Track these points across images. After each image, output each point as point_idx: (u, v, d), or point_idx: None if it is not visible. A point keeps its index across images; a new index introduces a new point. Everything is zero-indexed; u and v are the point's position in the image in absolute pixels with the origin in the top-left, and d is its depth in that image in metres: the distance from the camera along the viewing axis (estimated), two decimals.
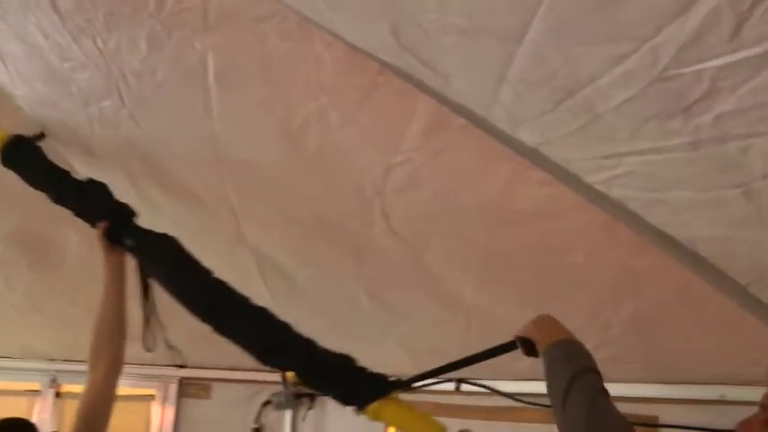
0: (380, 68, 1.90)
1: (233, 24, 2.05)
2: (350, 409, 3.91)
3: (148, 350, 2.45)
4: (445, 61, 1.56)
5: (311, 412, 4.32)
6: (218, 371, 4.59)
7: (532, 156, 1.76)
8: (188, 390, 4.65)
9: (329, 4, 1.64)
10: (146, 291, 2.48)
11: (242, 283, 2.73)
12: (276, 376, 4.29)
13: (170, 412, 4.60)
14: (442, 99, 1.79)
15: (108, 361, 2.43)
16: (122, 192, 2.80)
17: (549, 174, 1.86)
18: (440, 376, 2.19)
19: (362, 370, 2.12)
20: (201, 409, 4.64)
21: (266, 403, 4.48)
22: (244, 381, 4.57)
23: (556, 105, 1.42)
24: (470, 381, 3.06)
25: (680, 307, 2.22)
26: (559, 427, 1.67)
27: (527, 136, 1.64)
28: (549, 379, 1.76)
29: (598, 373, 1.72)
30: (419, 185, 2.26)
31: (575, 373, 1.68)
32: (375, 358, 3.39)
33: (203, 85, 2.27)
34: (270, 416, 4.53)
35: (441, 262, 2.53)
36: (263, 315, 2.24)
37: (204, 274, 2.34)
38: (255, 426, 4.55)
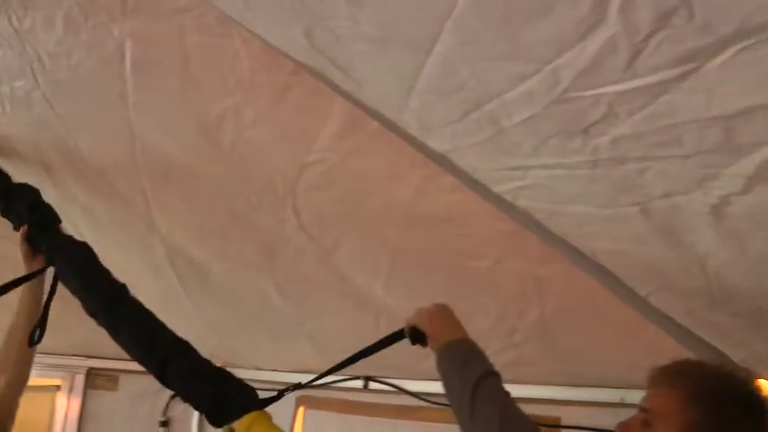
0: (296, 68, 1.90)
1: (152, 14, 2.02)
2: None
3: (32, 345, 2.35)
4: (357, 67, 1.57)
5: None
6: (125, 362, 4.37)
7: (443, 162, 1.79)
8: (95, 381, 4.53)
9: (246, 2, 1.64)
10: (52, 293, 2.41)
11: (153, 274, 2.71)
12: None
13: (75, 404, 4.47)
14: (356, 102, 1.80)
15: (11, 375, 2.32)
16: (33, 175, 2.75)
17: (459, 180, 1.88)
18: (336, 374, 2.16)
19: (238, 382, 2.07)
20: (108, 401, 4.53)
21: (174, 396, 4.40)
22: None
23: (463, 116, 1.44)
24: (378, 379, 3.09)
25: (583, 314, 2.27)
26: None
27: (436, 143, 1.66)
28: (448, 380, 1.74)
29: (497, 374, 1.72)
30: (331, 186, 2.27)
31: (478, 378, 1.67)
32: (286, 356, 3.41)
33: (119, 74, 2.24)
34: (177, 408, 4.47)
35: (351, 262, 2.54)
36: (153, 319, 2.21)
37: (111, 284, 2.30)
38: (163, 419, 4.49)
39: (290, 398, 3.62)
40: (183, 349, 2.14)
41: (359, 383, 3.19)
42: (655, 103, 1.13)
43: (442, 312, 1.89)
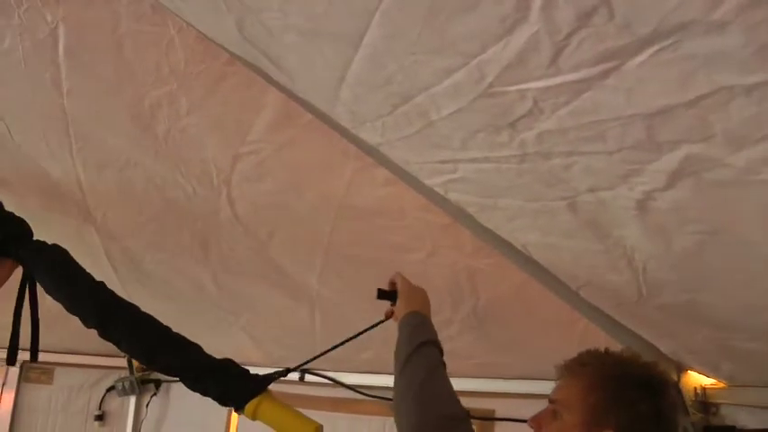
0: (230, 59, 1.88)
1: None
2: (194, 396, 3.90)
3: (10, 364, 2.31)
4: (288, 59, 1.56)
5: (155, 398, 4.24)
6: (61, 354, 4.33)
7: (376, 154, 1.79)
8: (29, 374, 4.42)
9: None
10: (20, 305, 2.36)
11: (89, 263, 2.63)
12: (121, 361, 4.20)
13: (9, 397, 4.36)
14: (289, 94, 1.79)
15: None
16: None
17: (392, 173, 1.89)
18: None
19: (238, 370, 2.11)
20: (43, 394, 4.43)
21: (110, 389, 4.35)
22: (88, 366, 4.40)
23: (393, 109, 1.44)
24: (314, 372, 3.09)
25: (516, 307, 2.30)
26: (394, 392, 1.69)
27: (368, 136, 1.65)
28: (398, 343, 1.80)
29: (441, 349, 1.76)
30: (265, 177, 2.25)
31: (423, 342, 1.73)
32: (222, 346, 3.37)
33: (53, 59, 2.18)
34: (113, 402, 4.40)
35: (285, 253, 2.53)
36: (148, 321, 2.21)
37: (96, 285, 2.28)
38: (98, 412, 4.40)
39: None
40: (182, 347, 2.16)
41: (295, 376, 3.18)
42: (578, 99, 1.14)
43: (421, 293, 1.97)
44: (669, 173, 1.21)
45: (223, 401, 2.06)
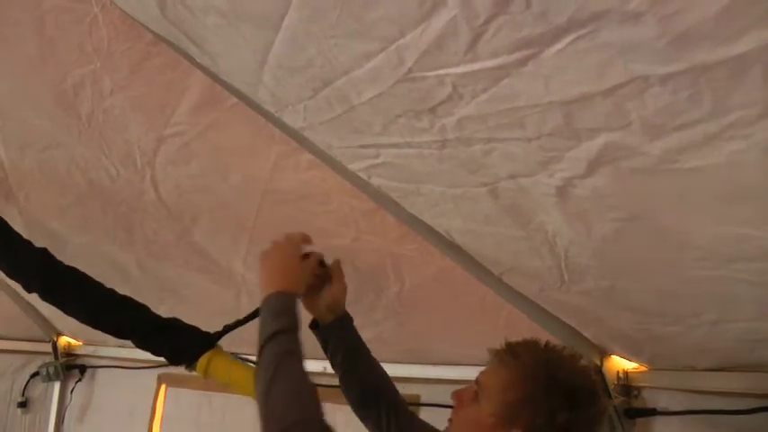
0: (154, 39, 1.84)
1: None
2: (119, 382, 3.85)
3: None
4: (210, 41, 1.52)
5: (80, 384, 4.15)
6: None
7: (300, 139, 1.77)
8: None
9: None
10: None
11: None
12: (46, 346, 4.10)
13: None
14: (213, 76, 1.75)
15: None
16: None
17: (316, 157, 1.87)
18: None
19: (187, 326, 2.14)
20: None
21: (34, 375, 4.23)
22: (10, 351, 4.28)
23: (314, 93, 1.42)
24: (242, 357, 3.05)
25: (440, 293, 2.30)
26: None
27: (291, 119, 1.63)
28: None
29: (292, 331, 1.62)
30: (189, 159, 2.22)
31: (274, 332, 1.59)
32: None
33: None
34: (37, 388, 4.30)
35: (210, 236, 2.50)
36: (93, 283, 2.22)
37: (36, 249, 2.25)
38: (21, 399, 4.28)
39: (152, 375, 3.56)
40: (130, 307, 2.20)
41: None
42: (496, 86, 1.13)
43: (281, 259, 1.80)
44: (588, 160, 1.21)
45: (175, 359, 2.09)
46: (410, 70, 1.18)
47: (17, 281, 2.25)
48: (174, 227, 2.49)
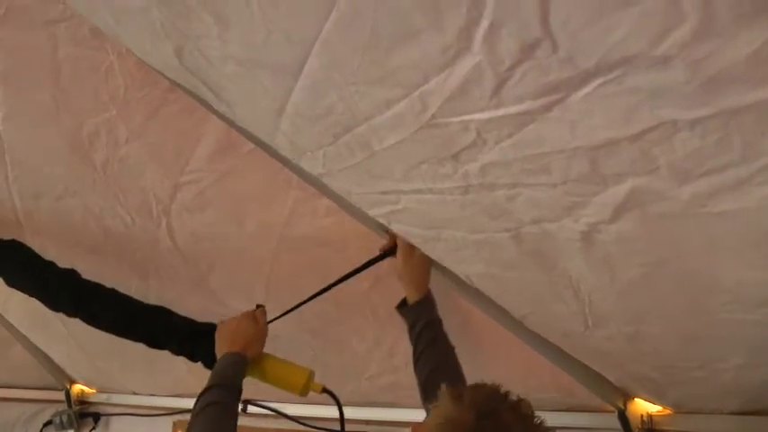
0: (171, 86, 1.83)
1: (23, 22, 1.93)
2: (134, 429, 3.79)
3: None
4: (227, 89, 1.52)
5: None
6: None
7: (318, 184, 1.76)
8: None
9: (116, 18, 1.57)
10: None
11: (22, 295, 2.56)
12: (59, 395, 4.04)
13: None
14: (230, 123, 1.75)
15: None
16: None
17: (334, 203, 1.86)
18: None
19: (205, 325, 2.13)
20: None
21: (47, 424, 4.15)
22: (23, 399, 4.17)
23: (334, 140, 1.41)
24: (256, 403, 3.03)
25: (461, 336, 2.25)
26: None
27: (309, 166, 1.62)
28: None
29: (226, 387, 1.78)
30: (205, 207, 2.21)
31: (210, 385, 1.78)
32: (162, 379, 3.29)
33: None
34: None
35: (225, 284, 2.47)
36: (121, 295, 2.25)
37: (64, 278, 2.29)
38: None
39: (167, 422, 3.51)
40: (163, 315, 2.21)
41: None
42: (521, 131, 1.12)
43: (234, 326, 2.00)
44: (614, 206, 1.20)
45: (210, 362, 2.04)
46: (433, 116, 1.17)
47: (44, 299, 2.26)
48: (189, 274, 2.47)
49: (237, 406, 1.78)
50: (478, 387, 1.42)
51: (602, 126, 1.04)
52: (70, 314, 2.23)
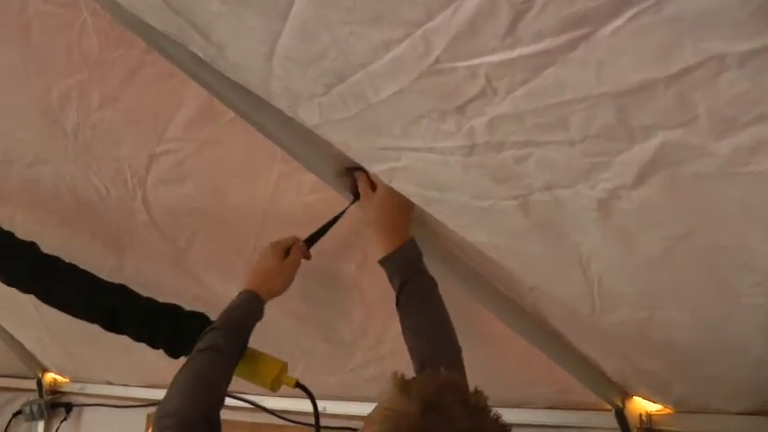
0: (148, 46, 1.69)
1: None
2: (107, 420, 3.65)
3: None
4: (217, 29, 1.35)
5: (65, 423, 3.92)
6: None
7: (303, 158, 1.68)
8: None
9: None
10: None
11: None
12: (30, 383, 3.90)
13: None
14: (210, 87, 1.61)
15: None
16: None
17: (321, 180, 1.77)
18: None
19: (189, 311, 2.02)
20: None
21: (17, 414, 3.98)
22: None
23: (327, 89, 1.27)
24: (233, 395, 2.91)
25: (455, 323, 2.14)
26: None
27: (306, 116, 1.46)
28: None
29: (231, 330, 1.65)
30: (184, 179, 2.06)
31: (215, 326, 1.66)
32: (137, 368, 3.15)
33: None
34: (20, 428, 4.03)
35: (205, 262, 2.33)
36: (80, 270, 2.12)
37: (22, 248, 2.16)
38: None
39: (141, 414, 3.37)
40: (123, 294, 2.06)
41: None
42: (538, 77, 0.97)
43: (261, 262, 1.85)
44: (639, 166, 1.05)
45: (175, 349, 1.92)
46: (437, 60, 1.02)
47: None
48: (166, 250, 2.32)
49: (238, 353, 1.64)
50: (430, 377, 1.32)
51: (634, 66, 0.89)
52: (25, 289, 2.08)
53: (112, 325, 1.97)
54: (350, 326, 2.29)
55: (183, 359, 1.79)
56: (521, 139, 1.12)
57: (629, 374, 2.03)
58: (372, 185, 1.74)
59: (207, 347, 1.56)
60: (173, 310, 1.94)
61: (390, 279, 1.77)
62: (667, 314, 1.48)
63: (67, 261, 2.11)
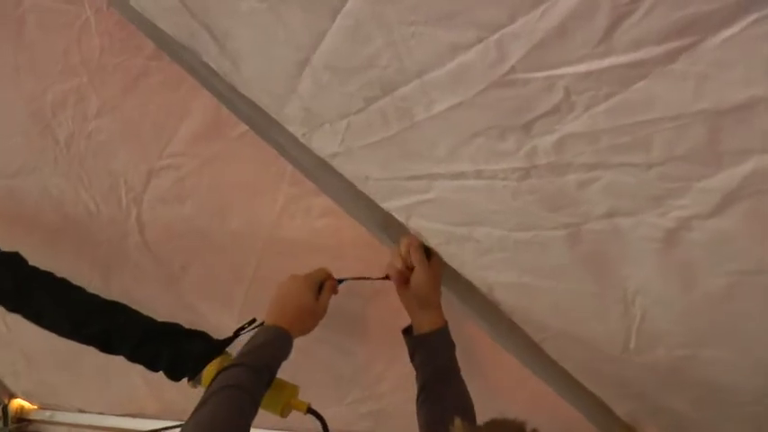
0: (156, 51, 1.61)
1: None
2: None
3: None
4: (237, 35, 1.25)
5: None
6: None
7: (317, 179, 1.56)
8: None
9: None
10: None
11: None
12: None
13: None
14: (223, 97, 1.51)
15: None
16: None
17: (334, 202, 1.64)
18: None
19: (189, 330, 1.85)
20: None
21: None
22: None
23: (366, 105, 1.17)
24: None
25: (462, 363, 2.04)
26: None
27: (323, 143, 1.37)
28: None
29: (257, 370, 1.47)
30: (184, 198, 1.95)
31: (240, 362, 1.47)
32: (115, 396, 2.99)
33: None
34: None
35: (199, 288, 2.20)
36: (71, 285, 1.94)
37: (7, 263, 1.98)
38: None
39: None
40: (119, 312, 1.89)
41: None
42: (626, 90, 0.88)
43: (293, 294, 1.65)
44: (723, 194, 0.96)
45: (174, 370, 1.77)
46: (512, 70, 0.93)
47: None
48: (159, 275, 2.19)
49: (263, 394, 1.47)
50: (498, 424, 1.27)
51: (742, 82, 0.81)
52: (10, 307, 1.93)
53: (107, 345, 1.83)
54: (352, 362, 2.18)
55: (184, 381, 1.69)
56: (590, 161, 1.03)
57: (642, 415, 1.94)
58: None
59: (233, 385, 1.39)
60: (173, 330, 1.81)
61: (415, 359, 1.70)
62: (712, 353, 1.38)
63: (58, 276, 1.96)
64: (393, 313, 1.99)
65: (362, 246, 1.78)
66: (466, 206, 1.29)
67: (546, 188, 1.13)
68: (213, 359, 1.71)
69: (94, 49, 1.71)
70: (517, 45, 0.89)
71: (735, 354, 1.35)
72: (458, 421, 1.22)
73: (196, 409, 1.34)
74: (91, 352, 2.69)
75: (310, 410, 1.69)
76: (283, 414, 1.67)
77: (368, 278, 1.75)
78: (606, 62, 0.86)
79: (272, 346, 1.55)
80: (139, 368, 2.69)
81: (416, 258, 1.59)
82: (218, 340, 1.74)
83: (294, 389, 1.70)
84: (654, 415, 1.89)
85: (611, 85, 0.89)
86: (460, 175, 1.21)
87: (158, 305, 2.15)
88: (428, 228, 1.45)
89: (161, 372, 1.80)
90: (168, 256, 2.13)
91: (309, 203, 1.82)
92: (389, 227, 1.62)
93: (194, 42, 1.33)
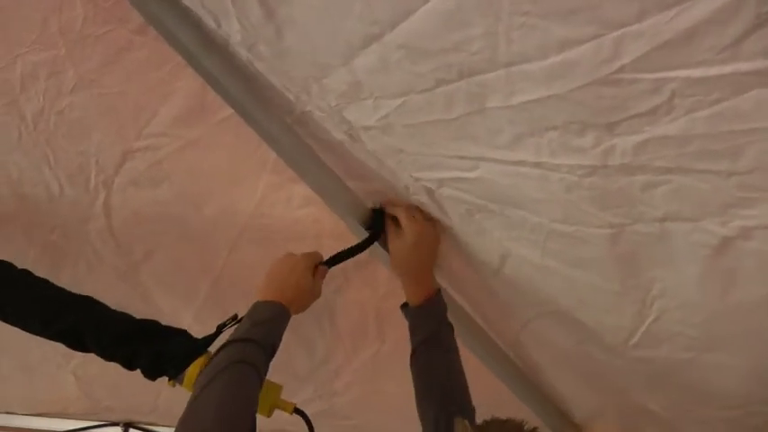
0: (142, 25, 1.52)
1: None
2: None
3: None
4: (300, 1, 1.16)
5: None
6: None
7: (301, 165, 1.56)
8: None
9: None
10: None
11: None
12: None
13: None
14: (211, 78, 1.46)
15: None
16: None
17: (314, 192, 1.64)
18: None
19: (170, 327, 1.73)
20: None
21: None
22: None
23: (435, 86, 1.14)
24: (139, 426, 2.74)
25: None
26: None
27: (359, 114, 1.33)
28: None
29: (260, 346, 1.43)
30: (159, 182, 1.85)
31: (242, 338, 1.43)
32: (43, 396, 2.81)
33: None
34: None
35: (161, 278, 2.09)
36: (45, 282, 1.80)
37: None
38: None
39: None
40: (90, 307, 1.75)
41: (118, 430, 2.82)
42: (736, 98, 0.89)
43: (289, 271, 1.60)
44: None
45: (155, 369, 1.66)
46: (621, 69, 0.92)
47: None
48: (117, 264, 2.05)
49: (265, 374, 1.43)
50: (498, 423, 1.26)
51: None
52: None
53: (77, 343, 1.72)
54: (311, 357, 2.14)
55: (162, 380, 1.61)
56: (669, 165, 1.04)
57: (607, 412, 1.99)
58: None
59: (242, 361, 1.35)
60: (151, 328, 1.72)
61: (412, 329, 1.69)
62: (717, 358, 1.43)
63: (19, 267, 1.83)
64: (360, 304, 1.98)
65: (338, 238, 1.75)
66: (510, 189, 1.29)
67: (608, 187, 1.14)
68: (197, 359, 1.64)
69: (77, 19, 1.58)
70: (637, 45, 0.89)
71: (740, 360, 1.41)
72: (460, 421, 1.25)
73: (205, 385, 1.29)
74: (24, 350, 2.54)
75: (296, 410, 1.64)
76: (269, 414, 1.62)
77: (355, 250, 1.71)
78: (728, 68, 0.86)
79: (276, 322, 1.51)
80: (74, 366, 2.57)
81: (399, 224, 1.63)
82: (200, 339, 1.67)
83: (278, 388, 1.65)
84: (621, 411, 1.94)
85: (723, 92, 0.90)
86: (518, 163, 1.20)
87: (108, 296, 2.02)
88: (456, 197, 1.44)
89: (137, 370, 1.72)
90: (132, 242, 2.01)
91: (291, 192, 1.78)
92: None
93: (226, 6, 1.26)
